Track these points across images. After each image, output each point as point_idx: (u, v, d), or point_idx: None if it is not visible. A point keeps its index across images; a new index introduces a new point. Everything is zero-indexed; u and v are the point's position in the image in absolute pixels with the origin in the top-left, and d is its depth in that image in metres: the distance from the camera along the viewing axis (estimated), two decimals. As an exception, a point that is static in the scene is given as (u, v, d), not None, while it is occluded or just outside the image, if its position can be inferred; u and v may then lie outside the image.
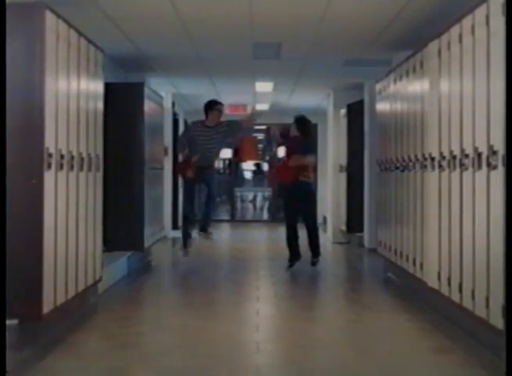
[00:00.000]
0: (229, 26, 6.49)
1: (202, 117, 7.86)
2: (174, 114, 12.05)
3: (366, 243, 9.46)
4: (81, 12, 5.60)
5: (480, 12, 4.32)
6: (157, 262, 8.61)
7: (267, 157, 8.44)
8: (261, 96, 12.16)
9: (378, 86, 7.80)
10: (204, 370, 3.98)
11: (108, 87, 6.38)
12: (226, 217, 15.85)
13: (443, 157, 5.14)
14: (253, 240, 11.75)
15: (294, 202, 7.75)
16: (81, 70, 5.28)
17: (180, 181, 12.10)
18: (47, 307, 4.48)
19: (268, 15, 6.04)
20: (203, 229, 8.05)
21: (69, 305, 4.98)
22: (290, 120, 16.27)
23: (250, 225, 14.71)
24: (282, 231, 13.80)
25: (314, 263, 7.84)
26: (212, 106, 7.81)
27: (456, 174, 4.84)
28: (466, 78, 4.64)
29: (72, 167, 5.00)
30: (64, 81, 4.87)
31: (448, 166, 5.01)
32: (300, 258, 7.80)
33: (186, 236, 8.11)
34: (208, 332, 4.98)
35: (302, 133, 7.83)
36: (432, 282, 5.44)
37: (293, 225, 7.83)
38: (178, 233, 11.95)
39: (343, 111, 10.81)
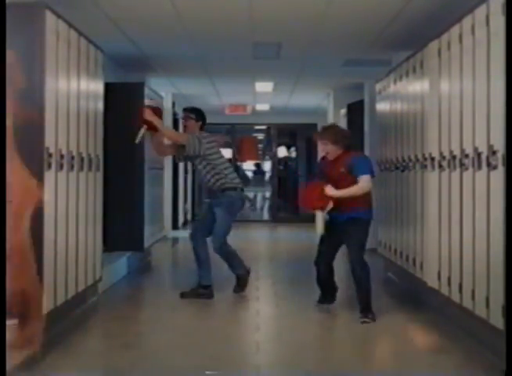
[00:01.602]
0: (229, 26, 6.49)
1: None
2: (174, 114, 12.05)
3: (366, 243, 9.43)
4: (81, 12, 5.60)
5: (480, 12, 4.32)
6: (157, 262, 8.60)
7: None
8: (261, 96, 12.16)
9: (378, 86, 7.80)
10: (204, 370, 3.98)
11: (108, 87, 6.37)
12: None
13: (443, 157, 5.14)
14: (252, 240, 11.75)
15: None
16: (81, 70, 5.27)
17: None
18: (47, 307, 4.48)
19: (268, 15, 6.04)
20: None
21: (69, 305, 4.99)
22: (289, 120, 16.16)
23: (250, 225, 14.69)
24: (281, 231, 13.78)
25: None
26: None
27: (456, 174, 4.85)
28: (466, 78, 4.64)
29: (72, 167, 5.00)
30: (64, 81, 4.86)
31: (448, 166, 5.01)
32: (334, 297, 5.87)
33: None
34: (208, 332, 4.98)
35: (346, 148, 5.37)
36: (432, 282, 5.44)
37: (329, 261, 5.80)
38: (178, 233, 12.02)
39: (343, 111, 10.81)
